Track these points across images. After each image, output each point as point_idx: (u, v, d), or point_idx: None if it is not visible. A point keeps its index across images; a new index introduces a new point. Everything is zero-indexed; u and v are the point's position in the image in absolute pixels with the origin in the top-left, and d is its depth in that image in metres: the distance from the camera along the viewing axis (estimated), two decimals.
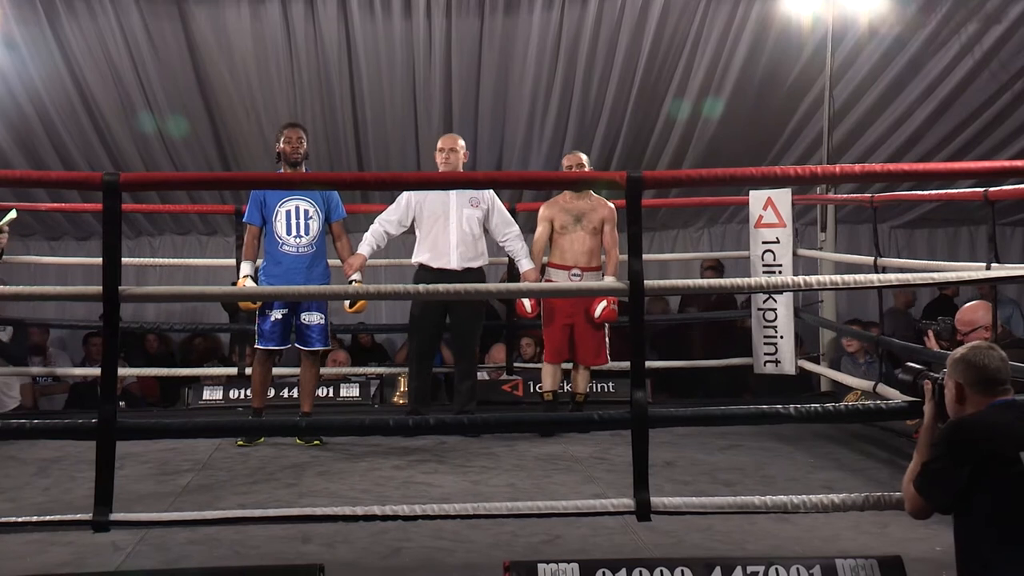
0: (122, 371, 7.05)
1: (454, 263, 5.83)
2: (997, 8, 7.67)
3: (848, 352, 7.38)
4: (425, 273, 5.85)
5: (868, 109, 8.53)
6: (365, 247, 5.82)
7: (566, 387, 6.34)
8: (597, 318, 5.85)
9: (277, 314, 5.55)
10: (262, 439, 5.51)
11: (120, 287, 3.45)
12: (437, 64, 8.15)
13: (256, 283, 5.59)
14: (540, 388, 6.18)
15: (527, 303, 5.94)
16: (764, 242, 6.71)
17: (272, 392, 6.43)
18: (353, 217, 6.53)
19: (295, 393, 6.52)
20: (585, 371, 6.08)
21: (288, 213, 5.54)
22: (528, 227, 6.77)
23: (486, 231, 6.01)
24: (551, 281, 5.98)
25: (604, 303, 5.82)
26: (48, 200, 8.15)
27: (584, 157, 6.07)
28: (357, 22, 7.92)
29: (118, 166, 8.52)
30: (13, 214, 4.60)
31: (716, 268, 8.77)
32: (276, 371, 6.10)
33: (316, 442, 5.49)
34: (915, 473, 2.97)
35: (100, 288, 3.44)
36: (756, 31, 7.98)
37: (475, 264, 5.89)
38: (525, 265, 5.96)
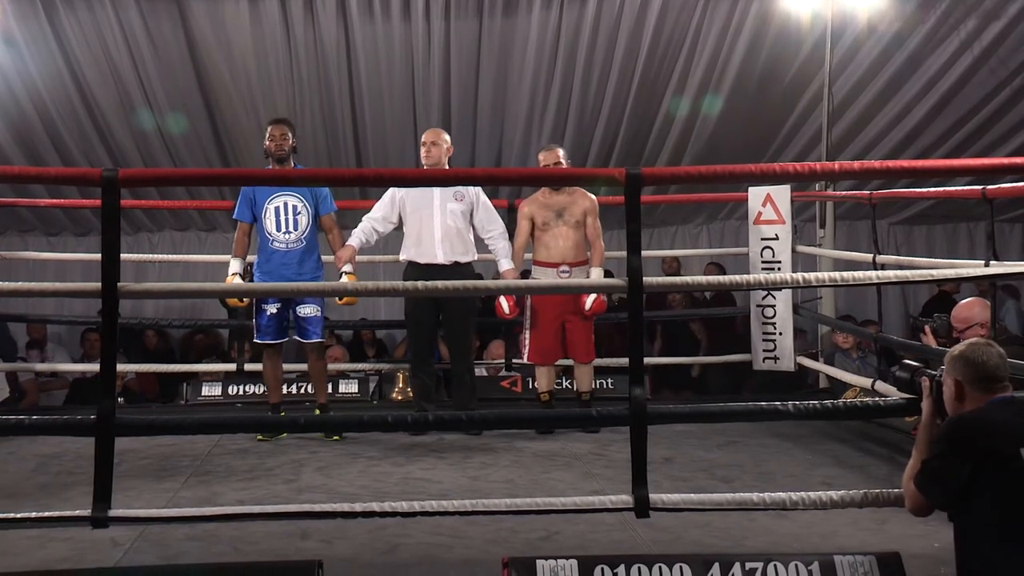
0: (121, 367, 7.05)
1: (440, 258, 5.77)
2: (996, 5, 7.68)
3: (842, 349, 7.38)
4: (413, 270, 5.81)
5: (867, 106, 8.54)
6: (354, 240, 5.79)
7: (564, 384, 6.33)
8: (588, 311, 5.77)
9: (272, 308, 5.59)
10: (284, 435, 5.53)
11: (119, 283, 3.45)
12: (436, 64, 8.15)
13: (244, 280, 5.61)
14: (536, 389, 6.11)
15: (505, 304, 5.85)
16: (763, 239, 6.70)
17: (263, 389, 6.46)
18: (352, 213, 6.54)
19: (292, 389, 6.54)
20: (586, 368, 5.99)
21: (276, 209, 5.55)
22: None
23: (473, 226, 5.98)
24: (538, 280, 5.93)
25: (594, 295, 5.74)
26: (47, 196, 8.18)
27: (562, 152, 5.92)
28: (356, 22, 7.92)
29: (117, 162, 8.52)
30: None
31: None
32: None
33: (336, 437, 5.51)
34: (915, 470, 2.96)
35: (99, 284, 3.44)
36: (755, 28, 7.99)
37: (463, 259, 5.83)
38: (504, 265, 5.88)
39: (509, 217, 6.14)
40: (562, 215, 5.84)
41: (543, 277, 5.85)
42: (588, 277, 5.81)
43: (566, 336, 5.89)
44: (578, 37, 8.05)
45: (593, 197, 5.91)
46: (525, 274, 6.02)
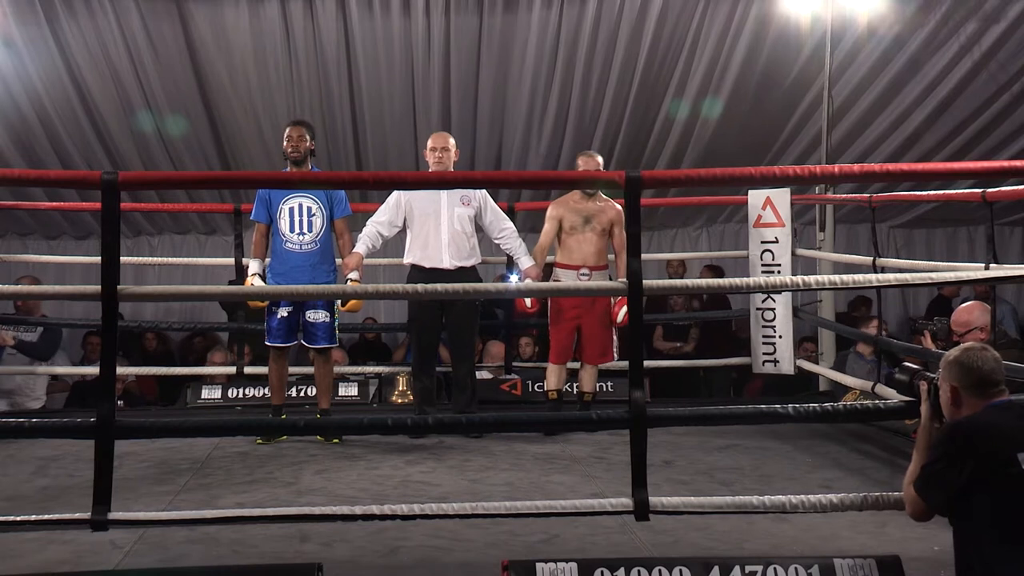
0: (122, 370, 7.05)
1: (446, 262, 5.77)
2: (996, 8, 7.68)
3: (855, 349, 7.36)
4: (417, 273, 5.81)
5: (867, 109, 8.54)
6: (361, 246, 5.80)
7: (572, 388, 6.35)
8: (619, 323, 5.82)
9: (283, 311, 5.59)
10: (284, 436, 5.53)
11: (119, 286, 3.45)
12: (436, 63, 8.15)
13: (264, 281, 5.61)
14: (544, 388, 6.14)
15: (527, 299, 5.91)
16: (763, 242, 6.70)
17: (263, 392, 6.46)
18: (351, 216, 6.53)
19: (293, 392, 6.52)
20: (592, 369, 6.02)
21: (291, 210, 5.55)
22: (526, 227, 6.77)
23: (479, 229, 5.97)
24: (558, 281, 5.96)
25: (625, 308, 5.72)
26: (46, 199, 8.17)
27: (600, 159, 6.00)
28: (356, 21, 7.93)
29: (117, 165, 8.53)
30: None
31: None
32: None
33: (335, 440, 5.51)
34: (914, 475, 2.96)
35: (99, 287, 3.44)
36: (755, 31, 7.99)
37: (468, 263, 5.84)
38: (525, 262, 5.91)
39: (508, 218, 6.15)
40: (590, 221, 5.88)
41: (564, 279, 5.89)
42: None
43: (580, 337, 5.93)
44: (578, 39, 8.05)
45: (620, 208, 5.89)
46: (546, 273, 6.05)
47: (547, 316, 6.06)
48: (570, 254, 5.90)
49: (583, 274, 5.87)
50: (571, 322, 5.90)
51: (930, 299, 9.38)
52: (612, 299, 5.86)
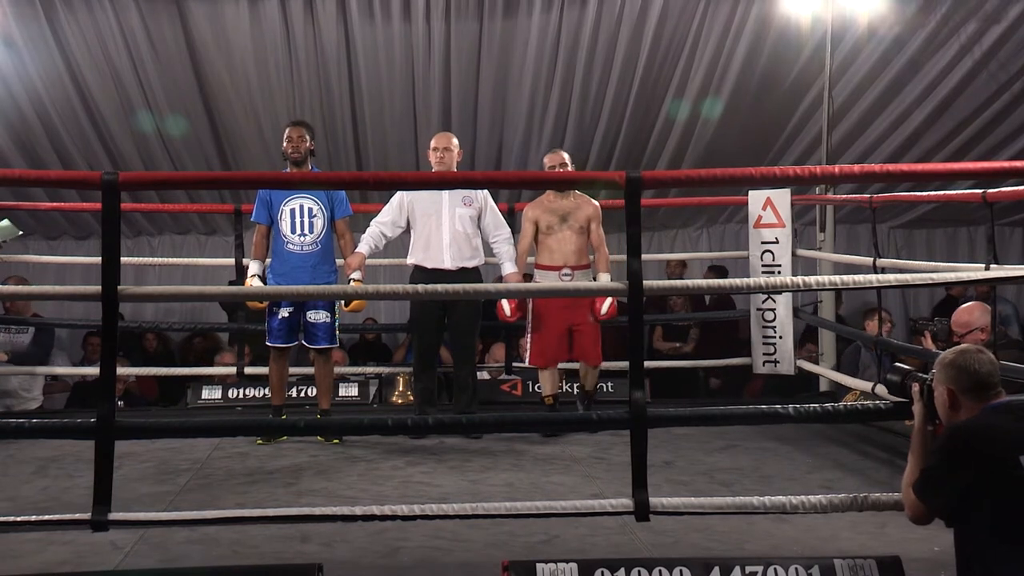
0: (123, 370, 7.05)
1: (448, 263, 5.78)
2: (996, 8, 7.68)
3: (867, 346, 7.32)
4: (420, 274, 5.81)
5: (867, 109, 8.54)
6: (364, 246, 5.81)
7: (565, 388, 6.35)
8: (603, 315, 5.78)
9: (284, 312, 5.59)
10: (284, 437, 5.53)
11: (119, 286, 3.45)
12: (436, 65, 8.15)
13: (264, 282, 5.62)
14: (540, 391, 6.12)
15: (507, 307, 5.85)
16: (763, 242, 6.70)
17: (263, 392, 6.46)
18: (351, 216, 6.53)
19: (293, 392, 6.52)
20: (592, 369, 6.02)
21: (292, 211, 5.55)
22: None
23: (480, 230, 5.98)
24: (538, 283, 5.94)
25: (609, 299, 5.74)
26: (47, 199, 8.16)
27: (566, 156, 5.95)
28: (356, 21, 7.92)
29: (117, 165, 8.52)
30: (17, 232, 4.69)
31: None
32: None
33: (335, 440, 5.51)
34: (913, 478, 2.95)
35: (99, 287, 3.44)
36: (755, 31, 7.99)
37: (470, 264, 5.85)
38: (507, 268, 5.90)
39: (508, 220, 6.14)
40: (567, 219, 5.85)
41: (545, 280, 5.86)
42: (596, 281, 5.82)
43: (574, 340, 5.90)
44: (578, 40, 8.05)
45: (597, 204, 5.91)
46: (527, 277, 6.03)
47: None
48: (551, 255, 5.87)
49: (565, 274, 5.84)
50: (559, 326, 5.84)
51: (936, 299, 9.37)
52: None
